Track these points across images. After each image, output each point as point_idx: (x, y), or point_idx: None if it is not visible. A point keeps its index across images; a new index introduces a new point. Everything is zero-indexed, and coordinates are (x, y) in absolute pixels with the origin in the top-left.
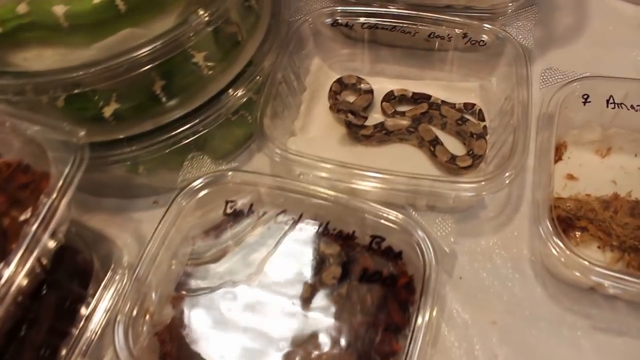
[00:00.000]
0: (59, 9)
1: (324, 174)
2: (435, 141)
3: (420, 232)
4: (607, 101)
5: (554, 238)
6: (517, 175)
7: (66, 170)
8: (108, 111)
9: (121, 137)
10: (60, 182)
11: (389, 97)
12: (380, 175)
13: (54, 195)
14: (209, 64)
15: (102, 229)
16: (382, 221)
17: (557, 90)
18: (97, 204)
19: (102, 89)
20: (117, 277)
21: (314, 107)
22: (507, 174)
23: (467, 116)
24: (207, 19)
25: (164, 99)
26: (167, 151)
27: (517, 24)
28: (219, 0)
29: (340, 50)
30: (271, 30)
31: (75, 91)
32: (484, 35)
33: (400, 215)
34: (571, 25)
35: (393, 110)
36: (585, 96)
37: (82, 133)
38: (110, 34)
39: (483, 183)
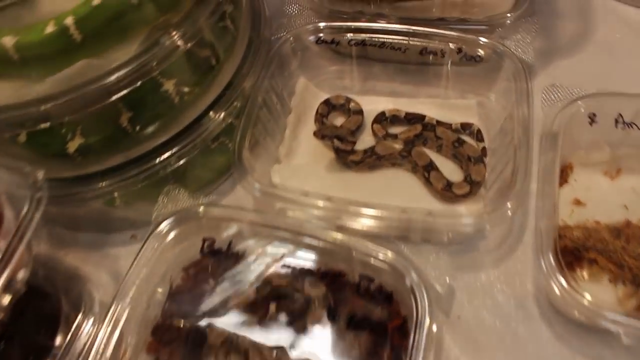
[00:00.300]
0: (8, 40)
1: (306, 210)
2: (430, 166)
3: (413, 274)
4: (616, 120)
5: (558, 276)
6: (520, 206)
7: (22, 215)
8: (72, 146)
9: (89, 172)
10: (15, 228)
11: (380, 118)
12: (368, 211)
13: (8, 243)
14: (180, 91)
15: (78, 266)
16: (372, 260)
17: (560, 109)
18: (73, 238)
19: (64, 123)
20: (90, 321)
21: (300, 130)
22: (509, 206)
23: (465, 137)
24: (175, 43)
25: (132, 132)
26: (142, 185)
27: (515, 37)
28: (188, 23)
29: (327, 67)
30: (251, 50)
31: (37, 128)
32: (480, 50)
33: (390, 255)
34: (575, 34)
35: (384, 132)
36: (592, 115)
37: (41, 174)
38: (66, 66)
39: (483, 216)
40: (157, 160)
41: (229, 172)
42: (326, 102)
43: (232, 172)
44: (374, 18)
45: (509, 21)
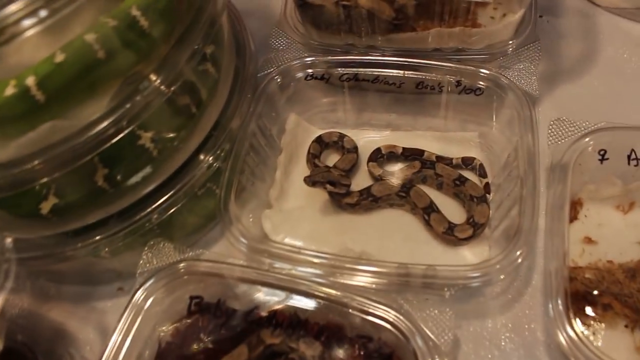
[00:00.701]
0: None
1: (298, 267)
2: (430, 208)
3: (417, 339)
4: (628, 157)
5: (568, 324)
6: (529, 251)
7: None
8: (46, 207)
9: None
10: None
11: (376, 155)
12: (364, 267)
13: None
14: (159, 142)
15: (62, 322)
16: (370, 318)
17: (568, 146)
18: (57, 291)
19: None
20: None
21: (292, 169)
22: (518, 254)
23: (467, 173)
24: (151, 94)
25: (110, 189)
26: (127, 239)
27: (518, 66)
28: (165, 72)
29: (319, 99)
30: (236, 88)
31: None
32: (480, 82)
33: (391, 314)
34: (580, 56)
35: (381, 171)
36: (602, 152)
37: (9, 241)
38: (30, 129)
39: (491, 269)
40: (141, 215)
41: (217, 217)
42: (318, 140)
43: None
44: (366, 51)
45: (510, 49)
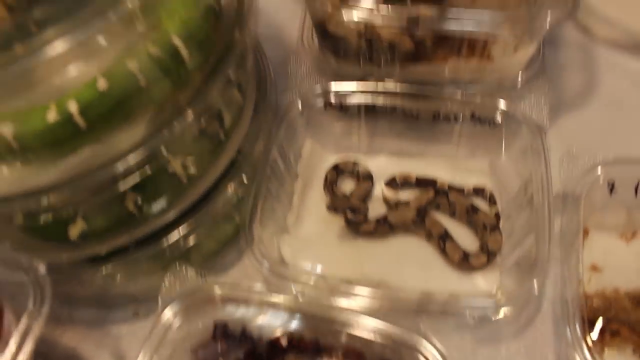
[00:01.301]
0: (6, 130)
1: (321, 292)
2: (445, 236)
3: None
4: (636, 189)
5: (585, 349)
6: (544, 281)
7: (23, 320)
8: (74, 231)
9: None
10: (17, 337)
11: (391, 183)
12: (383, 294)
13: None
14: (188, 169)
15: (76, 347)
16: (391, 343)
17: (579, 178)
18: (70, 315)
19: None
20: None
21: (307, 195)
22: (535, 284)
23: (479, 202)
24: (187, 123)
25: (138, 214)
26: (146, 265)
27: (529, 98)
28: (199, 100)
29: (333, 125)
30: (257, 116)
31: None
32: (494, 114)
33: (412, 339)
34: (582, 87)
35: (396, 199)
36: (611, 185)
37: (42, 267)
38: (69, 153)
39: (510, 300)
40: (165, 243)
41: (235, 241)
42: (335, 168)
43: (239, 241)
44: (384, 80)
45: (521, 80)
